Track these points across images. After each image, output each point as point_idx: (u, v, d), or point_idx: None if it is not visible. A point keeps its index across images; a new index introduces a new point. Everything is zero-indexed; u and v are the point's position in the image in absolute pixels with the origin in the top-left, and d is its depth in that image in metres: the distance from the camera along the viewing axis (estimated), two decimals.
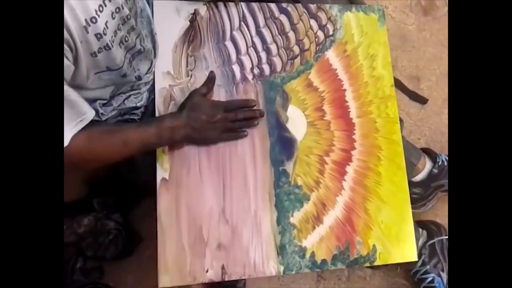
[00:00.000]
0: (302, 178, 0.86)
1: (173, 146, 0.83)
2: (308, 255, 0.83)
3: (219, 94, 0.87)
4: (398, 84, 1.40)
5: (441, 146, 1.37)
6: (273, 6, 0.93)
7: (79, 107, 0.69)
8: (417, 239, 1.04)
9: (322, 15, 0.95)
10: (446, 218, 1.25)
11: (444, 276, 1.12)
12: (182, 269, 0.79)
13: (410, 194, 0.91)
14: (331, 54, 0.93)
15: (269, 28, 0.92)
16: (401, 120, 0.96)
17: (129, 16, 0.70)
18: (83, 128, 0.69)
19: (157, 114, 0.84)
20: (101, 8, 0.63)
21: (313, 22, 0.94)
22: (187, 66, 0.87)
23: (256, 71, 0.89)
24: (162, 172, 0.82)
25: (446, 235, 1.16)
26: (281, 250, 0.82)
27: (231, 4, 0.91)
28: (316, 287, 1.21)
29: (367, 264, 0.86)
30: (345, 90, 0.92)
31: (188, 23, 0.89)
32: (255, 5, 0.92)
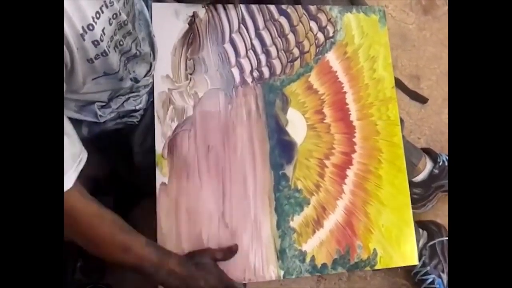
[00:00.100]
0: (302, 182, 0.86)
1: (172, 150, 0.82)
2: (308, 259, 0.83)
3: (218, 97, 0.86)
4: (398, 84, 1.39)
5: (441, 145, 1.37)
6: (272, 8, 0.92)
7: (76, 144, 0.68)
8: (418, 240, 1.03)
9: (322, 17, 0.94)
10: (446, 218, 1.25)
11: (445, 277, 1.12)
12: None
13: (411, 194, 0.90)
14: (331, 56, 0.92)
15: (268, 30, 0.91)
16: (401, 121, 0.95)
17: (126, 22, 0.69)
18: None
19: (156, 119, 0.83)
20: (98, 15, 0.62)
21: (313, 24, 0.93)
22: (186, 69, 0.86)
23: (255, 74, 0.89)
24: (161, 177, 0.81)
25: (446, 236, 1.16)
26: (281, 254, 0.82)
27: (230, 6, 0.90)
28: (316, 287, 1.22)
29: (368, 268, 0.86)
30: (345, 92, 0.91)
31: (187, 25, 0.88)
32: (254, 7, 0.91)
